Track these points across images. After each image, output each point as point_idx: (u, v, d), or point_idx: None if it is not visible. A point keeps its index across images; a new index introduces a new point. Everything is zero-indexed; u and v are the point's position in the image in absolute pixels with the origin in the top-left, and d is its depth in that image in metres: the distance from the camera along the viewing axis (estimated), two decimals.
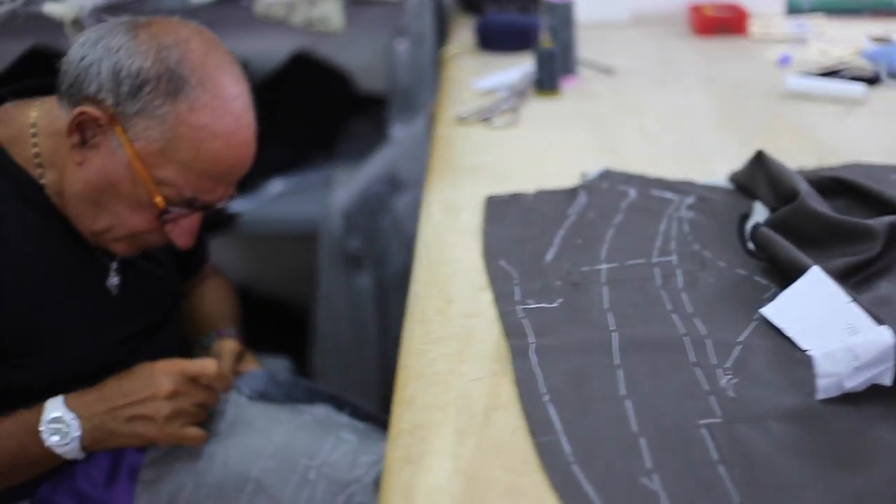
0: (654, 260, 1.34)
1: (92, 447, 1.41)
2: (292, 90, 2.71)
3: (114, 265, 1.54)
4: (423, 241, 1.43)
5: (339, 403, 1.62)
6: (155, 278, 1.62)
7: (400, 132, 2.44)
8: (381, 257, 2.29)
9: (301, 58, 2.80)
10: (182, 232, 1.45)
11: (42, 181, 1.45)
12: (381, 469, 1.41)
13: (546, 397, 1.07)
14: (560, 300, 1.25)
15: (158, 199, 1.39)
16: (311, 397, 1.62)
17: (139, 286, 1.57)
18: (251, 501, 1.44)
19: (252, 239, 2.79)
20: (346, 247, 2.28)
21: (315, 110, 2.67)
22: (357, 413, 1.60)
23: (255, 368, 1.63)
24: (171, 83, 1.37)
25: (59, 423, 1.40)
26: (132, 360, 1.54)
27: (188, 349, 1.73)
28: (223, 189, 1.43)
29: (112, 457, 1.49)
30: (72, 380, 1.49)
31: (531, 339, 1.17)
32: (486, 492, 0.94)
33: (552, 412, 1.05)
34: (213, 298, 1.81)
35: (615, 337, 1.17)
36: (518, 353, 1.15)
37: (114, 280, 1.54)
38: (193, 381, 1.44)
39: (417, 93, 2.40)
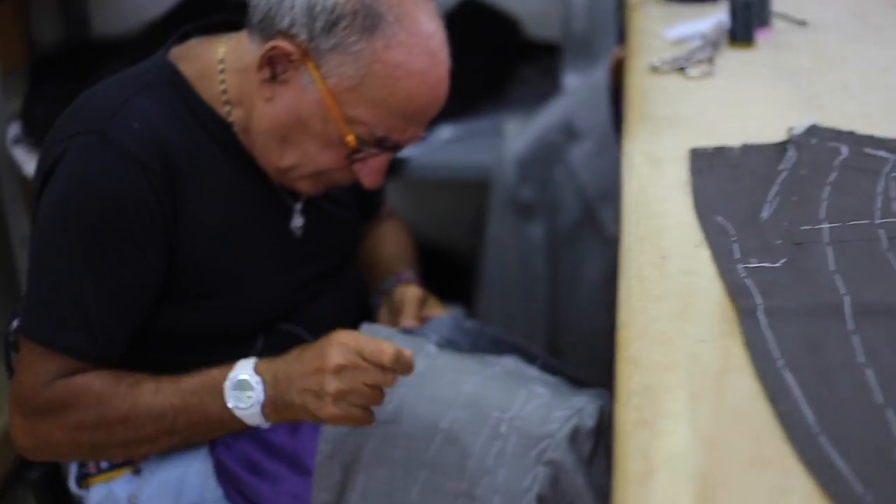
0: (878, 221, 1.27)
1: (272, 417, 1.38)
2: (461, 36, 2.64)
3: (298, 206, 1.52)
4: (629, 194, 1.38)
5: (527, 355, 1.58)
6: (337, 220, 1.60)
7: (574, 80, 2.39)
8: (554, 207, 2.24)
9: (469, 4, 2.76)
10: (371, 171, 1.42)
11: (230, 119, 1.44)
12: (575, 424, 1.37)
13: (780, 363, 1.02)
14: (783, 260, 1.19)
15: (350, 138, 1.36)
16: (497, 347, 1.59)
17: (322, 228, 1.55)
18: (440, 453, 1.41)
19: (418, 184, 2.77)
20: (518, 196, 2.24)
21: (484, 57, 2.62)
22: (547, 367, 1.56)
23: (441, 314, 1.60)
24: (368, 19, 1.33)
25: (245, 385, 1.37)
26: (311, 306, 1.52)
27: (366, 294, 1.71)
28: (414, 129, 1.40)
29: None
30: (248, 325, 1.47)
31: (758, 300, 1.12)
32: (730, 460, 0.89)
33: (789, 379, 1.00)
34: (391, 241, 1.78)
35: (847, 301, 1.11)
36: (746, 315, 1.09)
37: (298, 222, 1.52)
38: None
39: (596, 40, 2.33)
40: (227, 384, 1.37)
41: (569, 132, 2.21)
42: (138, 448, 1.43)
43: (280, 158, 1.42)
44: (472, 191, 2.53)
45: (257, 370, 1.37)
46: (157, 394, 1.39)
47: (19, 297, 2.54)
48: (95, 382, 1.38)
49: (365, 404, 1.33)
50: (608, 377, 2.28)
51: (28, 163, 2.41)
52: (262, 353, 1.46)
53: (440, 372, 1.45)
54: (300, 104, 1.37)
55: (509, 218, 2.28)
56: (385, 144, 1.39)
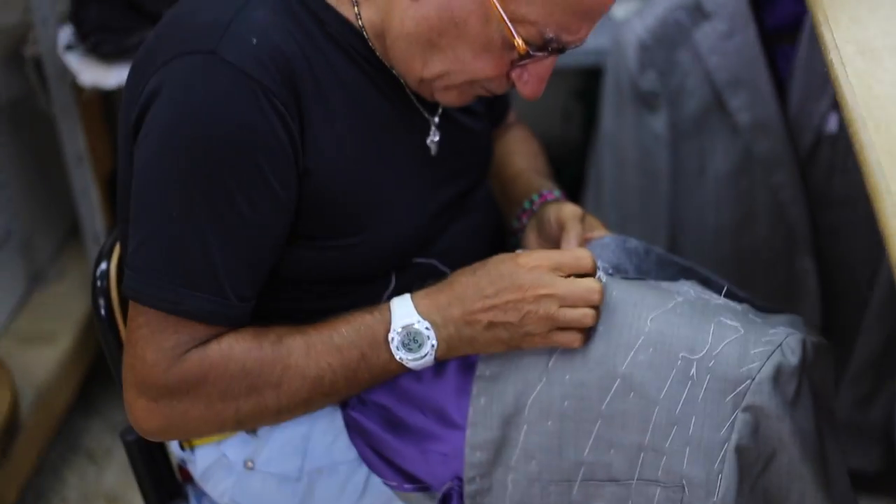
0: None
1: (444, 357, 1.20)
2: None
3: (435, 119, 1.29)
4: (851, 94, 1.13)
5: (701, 279, 1.36)
6: (473, 132, 1.37)
7: None
8: (678, 95, 2.00)
9: None
10: (533, 79, 1.20)
11: (359, 21, 1.21)
12: (778, 362, 1.16)
13: None
14: None
15: (518, 41, 1.13)
16: (665, 269, 1.36)
17: (458, 142, 1.33)
18: (618, 402, 1.20)
19: None
20: (638, 82, 1.99)
21: None
22: (728, 292, 1.33)
23: (603, 234, 1.38)
24: None
25: (415, 335, 1.19)
26: (445, 233, 1.31)
27: (500, 216, 1.49)
28: (586, 28, 1.17)
29: None
30: (384, 261, 1.26)
31: None
32: None
33: None
34: (524, 153, 1.55)
35: None
36: None
37: (435, 136, 1.29)
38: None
39: None
40: (393, 335, 1.20)
41: (696, 10, 1.96)
42: (290, 414, 1.25)
43: (424, 67, 1.19)
44: (583, 77, 2.27)
45: (422, 312, 1.20)
46: (309, 352, 1.20)
47: (74, 221, 2.42)
48: (235, 348, 1.19)
49: (579, 325, 1.19)
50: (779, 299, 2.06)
51: (83, 71, 2.17)
52: (395, 291, 1.26)
53: (614, 307, 1.23)
54: (455, 2, 1.14)
55: (627, 107, 2.04)
56: (552, 46, 1.16)
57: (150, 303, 1.16)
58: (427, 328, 1.19)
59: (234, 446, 1.32)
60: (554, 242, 1.38)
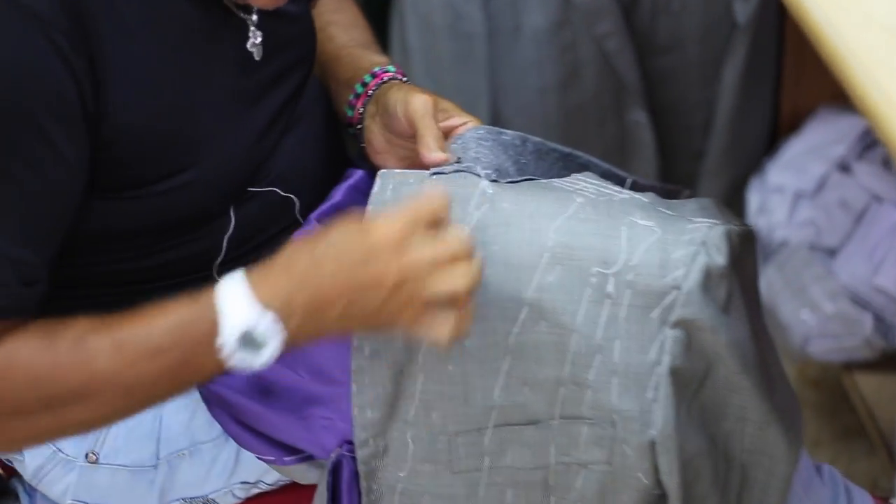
0: None
1: (288, 349, 0.97)
2: None
3: (253, 17, 1.06)
4: None
5: (591, 166, 1.18)
6: (297, 19, 1.14)
7: None
8: None
9: None
10: None
11: None
12: (706, 265, 1.00)
13: None
14: None
15: None
16: (544, 159, 1.17)
17: (282, 38, 1.10)
18: (527, 333, 1.03)
19: None
20: None
21: None
22: (633, 183, 1.16)
23: (468, 123, 1.17)
24: None
25: (253, 340, 0.94)
26: (279, 150, 1.09)
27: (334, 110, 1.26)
28: None
29: None
30: (215, 200, 1.04)
31: None
32: None
33: None
34: (342, 23, 1.31)
35: None
36: None
37: (256, 38, 1.06)
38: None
39: None
40: (226, 339, 0.94)
41: None
42: (106, 425, 1.04)
43: None
44: None
45: (261, 299, 0.94)
46: (118, 355, 0.94)
47: None
48: (21, 352, 0.94)
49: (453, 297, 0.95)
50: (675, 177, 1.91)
51: None
52: (236, 232, 1.04)
53: (508, 222, 1.04)
54: None
55: None
56: None
57: None
58: (270, 323, 0.94)
59: (71, 439, 1.09)
60: (405, 139, 1.17)
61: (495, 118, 1.94)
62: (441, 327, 0.96)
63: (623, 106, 1.96)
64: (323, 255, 0.95)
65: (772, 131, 2.06)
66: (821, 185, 1.92)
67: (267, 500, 1.17)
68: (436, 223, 0.96)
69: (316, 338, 0.99)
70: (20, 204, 0.93)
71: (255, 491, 1.16)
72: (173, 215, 1.04)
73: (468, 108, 1.77)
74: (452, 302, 0.95)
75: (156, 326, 0.95)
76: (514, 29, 1.91)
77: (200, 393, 1.09)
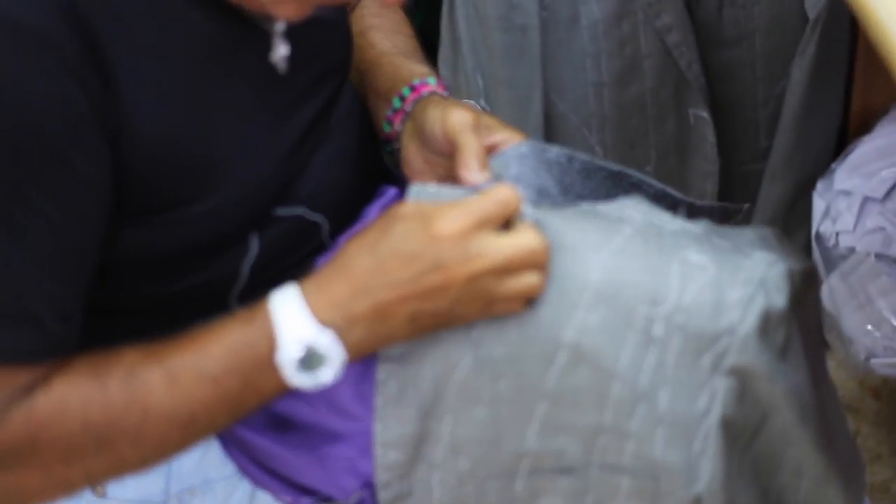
0: None
1: (354, 360, 0.92)
2: None
3: (279, 26, 0.98)
4: None
5: (634, 184, 1.09)
6: (331, 26, 1.06)
7: None
8: None
9: None
10: None
11: None
12: (765, 308, 0.91)
13: None
14: None
15: None
16: (591, 179, 1.08)
17: (312, 48, 1.02)
18: (566, 377, 0.94)
19: None
20: None
21: None
22: (686, 206, 1.07)
23: (508, 139, 1.08)
24: None
25: (315, 357, 0.89)
26: (307, 170, 1.01)
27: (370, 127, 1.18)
28: None
29: None
30: (236, 222, 0.97)
31: None
32: None
33: None
34: (384, 27, 1.23)
35: None
36: None
37: (282, 51, 0.98)
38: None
39: None
40: (286, 358, 0.89)
41: None
42: (160, 461, 0.96)
43: None
44: None
45: (320, 316, 0.89)
46: (173, 389, 0.89)
47: None
48: (70, 397, 0.89)
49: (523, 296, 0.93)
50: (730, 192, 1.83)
51: None
52: (259, 257, 0.97)
53: (553, 252, 0.95)
54: None
55: None
56: None
57: None
58: (332, 341, 0.89)
59: None
60: (444, 158, 1.08)
61: (548, 114, 1.85)
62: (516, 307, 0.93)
63: (684, 102, 1.86)
64: (382, 255, 0.90)
65: (840, 132, 1.94)
66: (891, 191, 1.81)
67: None
68: (505, 220, 0.91)
69: (383, 345, 0.94)
70: (48, 236, 0.87)
71: None
72: (190, 241, 0.97)
73: (520, 103, 1.70)
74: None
75: (209, 353, 0.90)
76: (571, 20, 1.81)
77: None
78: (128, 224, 0.93)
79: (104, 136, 0.87)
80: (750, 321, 0.93)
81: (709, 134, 1.88)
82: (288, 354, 0.89)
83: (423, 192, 1.00)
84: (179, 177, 0.93)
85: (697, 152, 1.89)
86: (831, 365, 1.62)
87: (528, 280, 0.92)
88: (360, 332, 0.90)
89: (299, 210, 1.03)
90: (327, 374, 0.90)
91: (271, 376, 0.90)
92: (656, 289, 0.94)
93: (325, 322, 0.89)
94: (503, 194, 0.92)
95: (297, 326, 0.89)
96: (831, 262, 1.83)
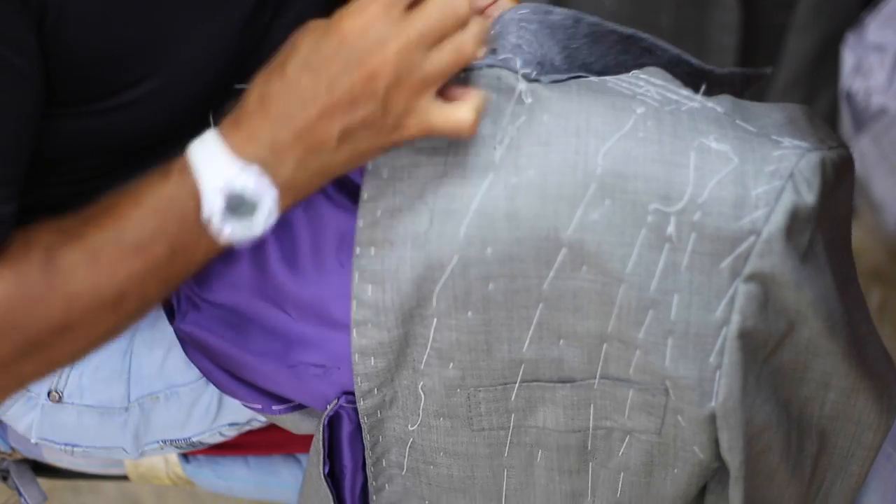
0: None
1: (292, 203, 0.80)
2: None
3: None
4: None
5: (656, 51, 0.96)
6: None
7: None
8: None
9: None
10: None
11: None
12: (792, 206, 0.80)
13: None
14: None
15: None
16: (600, 44, 0.96)
17: None
18: (567, 280, 0.84)
19: None
20: None
21: None
22: (704, 74, 0.94)
23: (507, 1, 0.95)
24: None
25: (236, 193, 0.76)
26: (269, 39, 0.89)
27: None
28: None
29: None
30: (189, 101, 0.85)
31: None
32: None
33: None
34: None
35: None
36: None
37: None
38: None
39: None
40: (210, 207, 0.77)
41: None
42: (94, 349, 0.84)
43: None
44: None
45: (240, 153, 0.77)
46: (96, 266, 0.78)
47: None
48: None
49: (457, 63, 0.79)
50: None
51: None
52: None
53: (547, 139, 0.84)
54: None
55: None
56: None
57: None
58: (257, 176, 0.77)
59: None
60: None
61: None
62: (459, 111, 0.79)
63: None
64: (296, 72, 0.78)
65: None
66: None
67: (262, 437, 1.02)
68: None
69: (321, 178, 0.81)
70: None
71: (248, 429, 1.00)
72: (145, 126, 0.85)
73: None
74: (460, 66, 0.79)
75: (129, 221, 0.79)
76: None
77: (175, 332, 0.92)
78: (62, 112, 0.81)
79: (32, 23, 0.75)
80: (776, 221, 0.81)
81: None
82: (212, 202, 0.77)
83: None
84: (116, 56, 0.81)
85: (717, 3, 1.75)
86: (859, 233, 1.52)
87: (456, 43, 0.78)
88: (291, 164, 0.78)
89: None
90: (260, 220, 0.78)
91: (200, 233, 0.78)
92: (670, 181, 0.82)
93: (247, 159, 0.77)
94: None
95: (217, 169, 0.77)
96: (861, 123, 1.71)
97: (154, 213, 0.78)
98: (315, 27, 0.78)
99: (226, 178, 0.77)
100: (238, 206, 0.77)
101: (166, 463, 1.08)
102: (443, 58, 0.78)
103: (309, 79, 0.77)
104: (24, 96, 0.78)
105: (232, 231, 0.78)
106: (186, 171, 0.78)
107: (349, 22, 0.77)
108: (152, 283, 0.80)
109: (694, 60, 0.98)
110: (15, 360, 0.79)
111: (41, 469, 1.13)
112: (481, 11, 0.93)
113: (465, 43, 0.78)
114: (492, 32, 0.91)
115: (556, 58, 0.92)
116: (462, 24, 0.78)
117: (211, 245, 0.79)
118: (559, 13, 0.94)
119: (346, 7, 0.78)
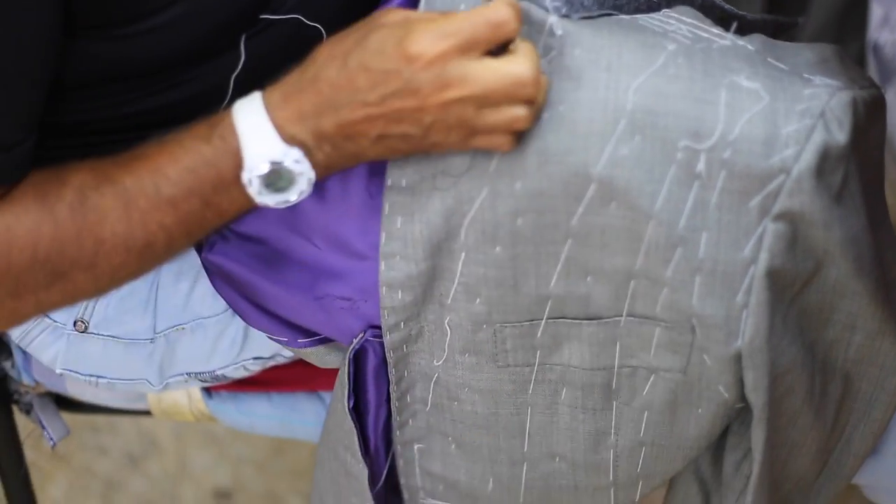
0: None
1: (321, 178, 0.81)
2: None
3: None
4: None
5: None
6: None
7: None
8: None
9: None
10: None
11: None
12: (823, 144, 0.79)
13: None
14: None
15: None
16: None
17: None
18: (595, 216, 0.84)
19: None
20: None
21: None
22: (736, 19, 0.94)
23: None
24: None
25: (277, 170, 0.78)
26: None
27: None
28: None
29: None
30: (218, 28, 0.85)
31: None
32: None
33: None
34: None
35: None
36: None
37: None
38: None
39: None
40: (251, 177, 0.79)
41: None
42: (115, 288, 0.87)
43: None
44: None
45: (285, 133, 0.79)
46: (129, 214, 0.80)
47: None
48: (16, 228, 0.80)
49: (507, 130, 0.80)
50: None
51: None
52: (248, 68, 0.88)
53: (578, 74, 0.83)
54: None
55: None
56: None
57: None
58: (297, 160, 0.79)
59: None
60: None
61: None
62: (500, 141, 0.81)
63: None
64: (356, 68, 0.78)
65: None
66: None
67: (288, 373, 1.02)
68: (493, 43, 0.78)
69: (350, 164, 0.84)
70: None
71: (272, 364, 1.01)
72: (169, 52, 0.85)
73: None
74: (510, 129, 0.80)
75: (166, 174, 0.80)
76: None
77: (203, 263, 0.93)
78: (96, 37, 0.81)
79: None
80: (806, 159, 0.81)
81: None
82: (253, 173, 0.79)
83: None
84: None
85: None
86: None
87: (511, 113, 0.79)
88: (328, 150, 0.80)
89: (292, 16, 0.91)
90: (294, 194, 0.80)
91: (235, 195, 0.80)
92: (701, 118, 0.82)
93: (291, 137, 0.79)
94: (497, 14, 0.78)
95: (262, 143, 0.78)
96: (888, 75, 1.70)
97: (191, 173, 0.80)
98: (391, 26, 0.79)
99: (269, 155, 0.79)
100: (276, 180, 0.79)
101: (189, 398, 1.09)
102: (496, 120, 0.79)
103: (366, 81, 0.78)
104: (44, 20, 0.78)
105: (266, 200, 0.80)
106: (229, 138, 0.79)
107: (422, 45, 0.77)
108: (181, 235, 0.81)
109: (726, 5, 0.97)
110: (37, 288, 0.81)
111: (63, 403, 1.14)
112: None
113: (521, 119, 0.79)
114: None
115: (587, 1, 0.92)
116: (525, 100, 0.78)
117: (244, 207, 0.82)
118: None
119: (429, 22, 0.78)
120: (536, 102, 0.80)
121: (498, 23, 0.77)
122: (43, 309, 0.86)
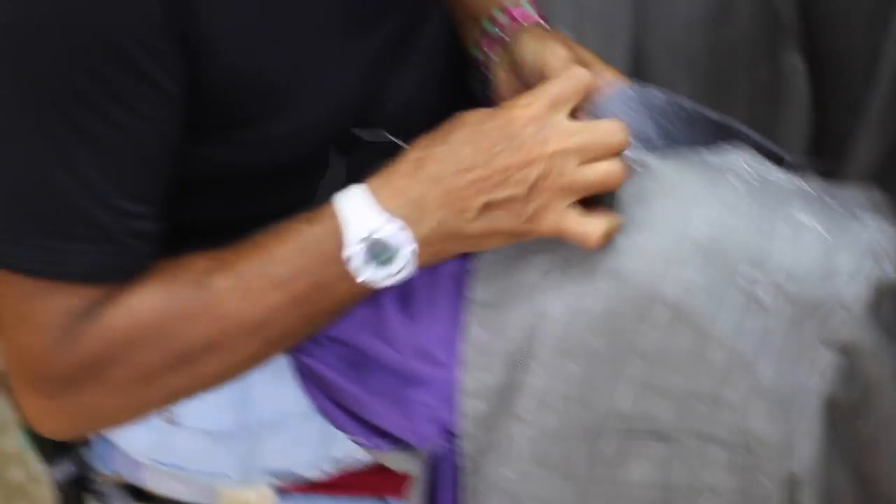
0: None
1: (426, 264, 0.88)
2: None
3: None
4: None
5: (744, 137, 1.03)
6: None
7: None
8: None
9: None
10: None
11: None
12: (878, 280, 0.86)
13: None
14: None
15: None
16: (694, 128, 1.03)
17: None
18: (663, 337, 0.90)
19: None
20: None
21: None
22: (782, 162, 1.01)
23: (614, 81, 1.03)
24: None
25: (377, 241, 0.85)
26: (388, 92, 0.96)
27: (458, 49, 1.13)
28: None
29: None
30: (315, 142, 0.92)
31: None
32: None
33: None
34: None
35: None
36: None
37: None
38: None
39: None
40: (352, 250, 0.86)
41: None
42: (242, 371, 0.93)
43: None
44: None
45: (386, 206, 0.86)
46: (244, 293, 0.87)
47: None
48: (142, 308, 0.86)
49: (603, 187, 0.90)
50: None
51: None
52: (337, 178, 0.94)
53: (650, 203, 0.91)
54: None
55: None
56: None
57: (16, 267, 0.82)
58: (399, 228, 0.86)
59: None
60: None
61: (638, 54, 1.78)
62: (593, 224, 0.87)
63: (778, 48, 1.78)
64: (455, 143, 0.87)
65: None
66: None
67: (359, 479, 1.08)
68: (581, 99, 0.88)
69: (454, 245, 0.89)
70: (123, 151, 0.83)
71: (346, 468, 1.06)
72: (266, 160, 0.93)
73: (609, 41, 1.64)
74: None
75: (276, 256, 0.87)
76: None
77: (292, 364, 0.99)
78: (204, 142, 0.89)
79: (181, 45, 0.83)
80: (862, 292, 0.88)
81: (801, 84, 1.80)
82: (354, 246, 0.85)
83: None
84: (254, 94, 0.89)
85: (789, 103, 1.81)
86: None
87: (607, 167, 0.87)
88: (431, 223, 0.86)
89: (381, 132, 0.99)
90: (398, 268, 0.86)
91: (341, 273, 0.86)
92: (762, 248, 0.89)
93: (391, 210, 0.86)
94: (577, 75, 0.89)
95: (362, 217, 0.85)
96: None
97: (299, 252, 0.86)
98: (481, 111, 0.87)
99: (370, 226, 0.85)
100: (379, 253, 0.85)
101: (258, 496, 1.14)
102: (594, 174, 0.87)
103: (470, 149, 0.86)
104: (170, 121, 0.85)
105: (371, 275, 0.86)
106: (332, 217, 0.86)
107: (519, 111, 0.86)
108: (294, 315, 0.87)
109: (774, 147, 1.05)
110: (163, 371, 0.87)
111: (135, 495, 1.18)
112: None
113: (615, 172, 0.88)
114: (598, 107, 0.99)
115: (654, 137, 1.00)
116: (616, 153, 0.87)
117: (350, 286, 0.87)
118: (660, 96, 1.02)
119: (516, 98, 0.87)
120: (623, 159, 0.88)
121: (579, 79, 0.88)
122: (171, 397, 0.91)
